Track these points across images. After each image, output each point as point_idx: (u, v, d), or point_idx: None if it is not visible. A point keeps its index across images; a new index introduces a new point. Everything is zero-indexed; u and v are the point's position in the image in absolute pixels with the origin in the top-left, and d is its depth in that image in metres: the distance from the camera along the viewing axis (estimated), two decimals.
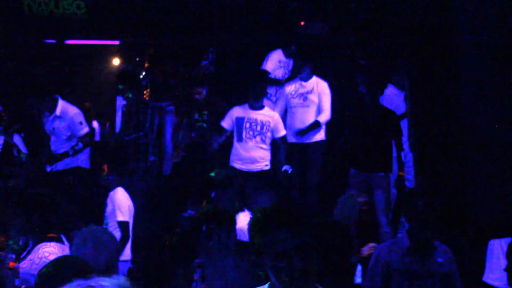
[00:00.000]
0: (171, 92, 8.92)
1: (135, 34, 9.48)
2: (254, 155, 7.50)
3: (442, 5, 6.44)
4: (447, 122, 6.56)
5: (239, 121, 7.61)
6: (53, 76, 10.09)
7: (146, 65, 9.20)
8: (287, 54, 8.85)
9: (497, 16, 6.25)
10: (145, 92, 9.00)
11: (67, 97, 9.06)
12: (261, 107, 7.66)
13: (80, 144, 7.79)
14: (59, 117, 7.84)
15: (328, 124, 8.20)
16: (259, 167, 6.71)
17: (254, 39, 8.89)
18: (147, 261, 4.09)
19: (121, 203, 7.15)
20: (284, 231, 2.64)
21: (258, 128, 7.55)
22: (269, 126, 7.56)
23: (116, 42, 10.24)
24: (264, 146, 7.59)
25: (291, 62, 8.95)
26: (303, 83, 8.16)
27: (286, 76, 8.89)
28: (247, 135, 7.57)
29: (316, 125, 8.01)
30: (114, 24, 9.35)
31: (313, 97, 8.06)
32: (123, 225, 7.05)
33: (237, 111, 7.69)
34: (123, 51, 10.43)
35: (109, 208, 7.21)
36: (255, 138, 7.55)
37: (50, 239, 4.52)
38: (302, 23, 9.90)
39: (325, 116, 8.03)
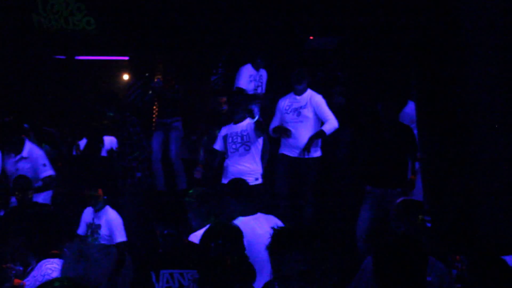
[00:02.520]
0: (179, 107, 8.83)
1: (145, 49, 9.50)
2: (241, 168, 7.35)
3: (449, 16, 6.38)
4: (456, 136, 6.47)
5: (225, 139, 7.49)
6: (62, 92, 10.11)
7: (155, 80, 9.17)
8: (256, 67, 8.78)
9: (506, 25, 6.17)
10: (154, 107, 8.97)
11: (76, 112, 9.13)
12: (242, 120, 7.53)
13: (40, 183, 7.61)
14: (25, 158, 7.65)
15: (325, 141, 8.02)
16: (248, 181, 6.53)
17: (262, 54, 8.84)
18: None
19: (118, 223, 6.97)
20: (292, 255, 2.60)
21: (239, 139, 7.39)
22: (247, 133, 7.44)
23: (126, 58, 10.26)
24: (247, 158, 7.46)
25: (264, 74, 8.87)
26: (297, 97, 7.90)
27: (260, 89, 8.80)
28: (231, 149, 7.44)
29: (321, 135, 7.80)
30: (124, 40, 9.35)
31: (307, 112, 7.82)
32: (123, 245, 6.88)
33: (224, 131, 7.60)
34: (132, 66, 10.43)
35: (103, 230, 7.01)
36: (239, 150, 7.44)
37: (53, 256, 4.48)
38: (311, 37, 9.91)
39: (330, 125, 7.80)
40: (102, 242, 6.88)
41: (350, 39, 9.60)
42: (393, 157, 7.11)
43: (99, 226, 7.02)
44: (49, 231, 4.54)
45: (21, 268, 4.50)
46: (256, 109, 8.36)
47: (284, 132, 7.74)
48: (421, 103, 7.31)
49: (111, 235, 6.95)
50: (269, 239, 2.75)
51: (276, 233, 2.73)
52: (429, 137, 7.01)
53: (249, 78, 8.76)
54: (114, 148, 8.24)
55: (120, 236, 6.96)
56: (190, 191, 5.65)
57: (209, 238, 3.84)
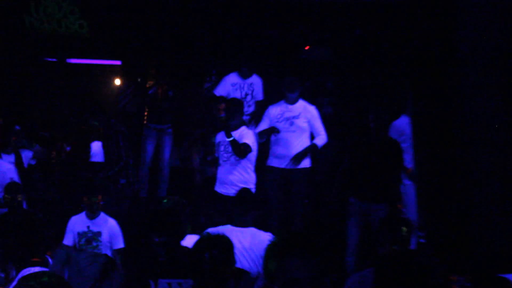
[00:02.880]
0: (171, 113, 8.75)
1: (137, 54, 9.40)
2: (231, 178, 7.27)
3: (446, 32, 6.32)
4: (451, 150, 6.39)
5: (217, 147, 7.45)
6: (52, 95, 10.00)
7: (147, 86, 9.06)
8: (242, 76, 8.68)
9: (503, 38, 6.11)
10: (145, 113, 8.87)
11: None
12: (237, 127, 7.40)
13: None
14: None
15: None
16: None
17: (248, 62, 8.72)
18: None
19: (118, 229, 6.95)
20: (300, 259, 2.58)
21: (230, 149, 7.27)
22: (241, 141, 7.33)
23: (118, 62, 10.16)
24: (239, 168, 7.35)
25: (256, 81, 8.74)
26: (289, 106, 7.81)
27: (249, 97, 8.67)
28: (223, 158, 7.38)
29: (313, 148, 7.77)
30: (117, 44, 9.26)
31: (300, 123, 7.72)
32: (122, 251, 6.87)
33: (218, 137, 7.54)
34: (124, 71, 10.32)
35: (104, 237, 6.95)
36: (230, 160, 7.34)
37: (34, 264, 4.34)
38: (307, 48, 9.84)
39: (321, 139, 7.77)
40: (104, 248, 6.85)
41: (346, 50, 9.54)
42: (380, 171, 7.00)
43: (99, 234, 6.95)
44: (29, 239, 4.41)
45: (2, 275, 4.36)
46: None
47: (272, 132, 7.64)
48: (416, 116, 7.25)
49: (111, 242, 6.92)
50: (271, 244, 2.75)
51: (281, 237, 2.72)
52: (424, 151, 6.94)
53: (232, 87, 8.65)
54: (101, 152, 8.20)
55: (120, 243, 6.94)
56: (164, 201, 5.61)
57: (202, 248, 3.75)
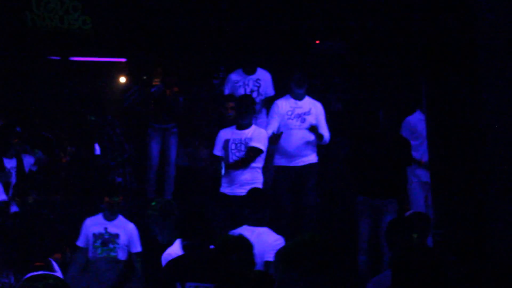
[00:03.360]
0: (178, 112, 8.61)
1: (143, 51, 9.32)
2: (241, 178, 7.15)
3: (463, 23, 6.13)
4: (467, 146, 6.21)
5: (226, 144, 7.29)
6: (56, 94, 9.92)
7: (154, 83, 8.93)
8: (246, 72, 8.46)
9: None
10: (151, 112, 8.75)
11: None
12: (248, 126, 7.25)
13: None
14: None
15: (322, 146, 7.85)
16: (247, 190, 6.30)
17: (249, 59, 8.57)
18: None
19: (136, 233, 6.86)
20: (301, 274, 2.56)
21: (243, 147, 7.15)
22: (251, 142, 7.20)
23: (123, 59, 10.06)
24: (252, 165, 7.19)
25: (263, 77, 8.50)
26: (298, 102, 7.72)
27: (256, 94, 8.48)
28: (234, 157, 7.23)
29: (320, 138, 7.62)
30: (121, 41, 9.19)
31: (311, 119, 7.62)
32: (141, 255, 6.81)
33: (224, 134, 7.37)
34: (130, 68, 10.21)
35: (122, 239, 6.85)
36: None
37: (37, 269, 4.20)
38: (318, 41, 9.68)
39: (325, 137, 7.67)
40: (120, 251, 6.79)
41: (357, 43, 9.40)
42: (390, 168, 6.96)
43: (116, 236, 6.86)
44: (29, 244, 4.28)
45: (6, 281, 4.26)
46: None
47: (278, 138, 7.52)
48: (431, 112, 7.07)
49: (129, 245, 6.85)
50: (280, 251, 2.78)
51: (290, 248, 2.70)
52: (439, 147, 6.76)
53: (235, 85, 8.49)
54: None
55: (138, 246, 6.88)
56: (153, 203, 5.54)
57: (228, 250, 3.77)
